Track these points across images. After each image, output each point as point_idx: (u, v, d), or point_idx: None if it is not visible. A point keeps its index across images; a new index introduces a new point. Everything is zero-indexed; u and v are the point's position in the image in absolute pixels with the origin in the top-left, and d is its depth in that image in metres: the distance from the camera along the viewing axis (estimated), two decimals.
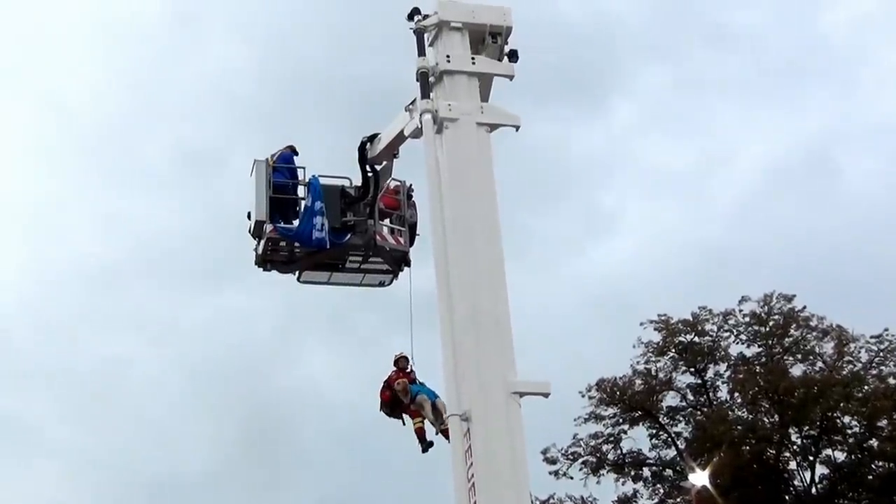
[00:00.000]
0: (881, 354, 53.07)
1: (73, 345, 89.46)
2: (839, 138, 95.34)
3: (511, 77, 16.82)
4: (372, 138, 19.61)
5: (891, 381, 52.21)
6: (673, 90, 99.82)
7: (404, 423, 21.18)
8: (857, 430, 52.87)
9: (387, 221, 21.00)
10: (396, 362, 21.08)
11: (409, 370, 20.92)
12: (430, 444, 20.75)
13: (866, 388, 52.24)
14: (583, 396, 55.03)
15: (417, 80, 16.49)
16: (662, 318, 55.13)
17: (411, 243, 21.06)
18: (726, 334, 55.32)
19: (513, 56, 16.82)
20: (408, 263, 21.05)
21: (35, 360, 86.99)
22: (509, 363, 14.60)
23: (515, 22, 17.01)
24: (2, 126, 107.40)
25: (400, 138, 18.30)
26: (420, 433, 20.80)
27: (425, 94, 16.13)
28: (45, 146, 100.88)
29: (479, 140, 15.92)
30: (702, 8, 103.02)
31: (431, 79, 16.39)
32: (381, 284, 21.65)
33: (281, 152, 21.01)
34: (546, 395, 14.64)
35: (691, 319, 54.99)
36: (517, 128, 16.32)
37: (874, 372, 53.02)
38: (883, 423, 51.89)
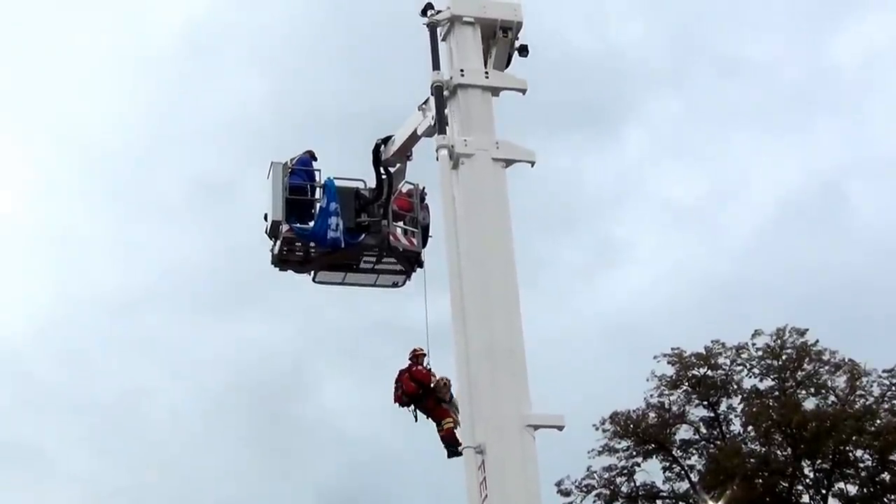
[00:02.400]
0: (893, 389, 53.44)
1: (93, 374, 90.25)
2: (850, 169, 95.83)
3: (524, 91, 17.09)
4: (386, 140, 19.95)
5: None
6: (684, 121, 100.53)
7: (416, 420, 21.03)
8: (869, 463, 53.15)
9: (400, 223, 21.13)
10: (416, 357, 21.01)
11: (428, 368, 20.87)
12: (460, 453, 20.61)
13: (879, 421, 52.50)
14: (596, 429, 55.51)
15: (432, 93, 16.86)
16: (675, 351, 55.52)
17: (424, 244, 21.20)
18: (739, 368, 55.69)
19: (523, 51, 17.25)
20: (420, 264, 21.21)
21: (54, 389, 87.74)
22: (524, 396, 14.78)
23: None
24: (22, 158, 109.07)
25: (413, 138, 18.68)
26: (451, 436, 20.36)
27: (442, 129, 16.34)
28: (64, 177, 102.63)
29: (494, 175, 16.15)
30: (712, 39, 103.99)
31: (446, 93, 16.71)
32: (395, 285, 21.79)
33: (300, 157, 21.35)
34: (560, 428, 14.85)
35: (704, 353, 55.39)
36: (532, 163, 16.53)
37: (886, 406, 53.28)
38: (895, 456, 52.14)
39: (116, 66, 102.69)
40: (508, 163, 16.31)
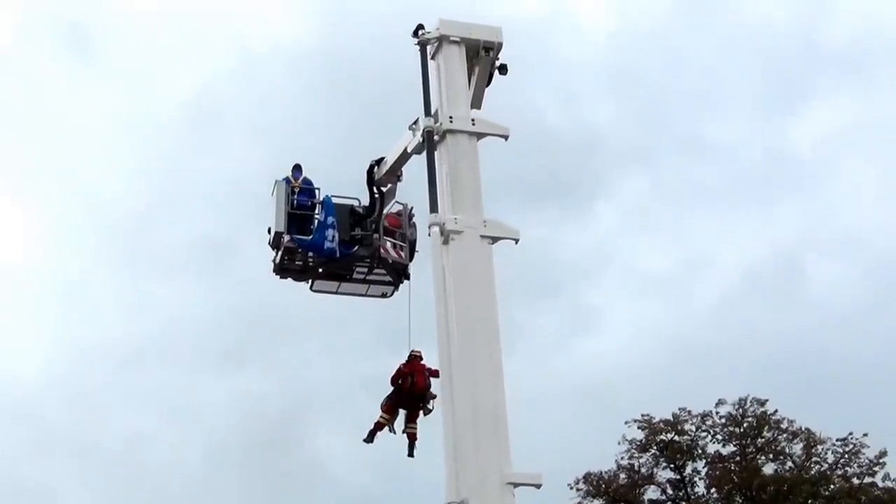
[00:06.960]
0: (846, 456, 55.71)
1: (99, 419, 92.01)
2: (807, 244, 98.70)
3: (506, 137, 18.38)
4: (379, 162, 21.58)
5: (855, 481, 54.83)
6: (652, 196, 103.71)
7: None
8: None
9: (390, 238, 22.60)
10: (417, 358, 21.94)
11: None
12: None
13: (832, 486, 54.88)
14: (571, 488, 57.44)
15: (422, 137, 18.33)
16: (645, 417, 57.75)
17: (411, 258, 22.69)
18: (704, 434, 57.87)
19: (503, 69, 18.93)
20: (407, 276, 22.73)
21: (62, 432, 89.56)
22: (505, 456, 15.73)
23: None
24: (37, 215, 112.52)
25: (404, 156, 20.18)
26: (415, 438, 21.85)
27: (434, 207, 17.49)
28: (76, 234, 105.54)
29: (481, 251, 17.14)
30: (677, 119, 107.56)
31: (436, 137, 18.16)
32: (384, 295, 23.43)
33: (303, 177, 23.55)
34: (538, 486, 15.83)
35: (672, 419, 57.62)
36: (516, 241, 17.57)
37: (840, 472, 55.63)
38: None
39: (126, 131, 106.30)
40: (495, 240, 17.37)
